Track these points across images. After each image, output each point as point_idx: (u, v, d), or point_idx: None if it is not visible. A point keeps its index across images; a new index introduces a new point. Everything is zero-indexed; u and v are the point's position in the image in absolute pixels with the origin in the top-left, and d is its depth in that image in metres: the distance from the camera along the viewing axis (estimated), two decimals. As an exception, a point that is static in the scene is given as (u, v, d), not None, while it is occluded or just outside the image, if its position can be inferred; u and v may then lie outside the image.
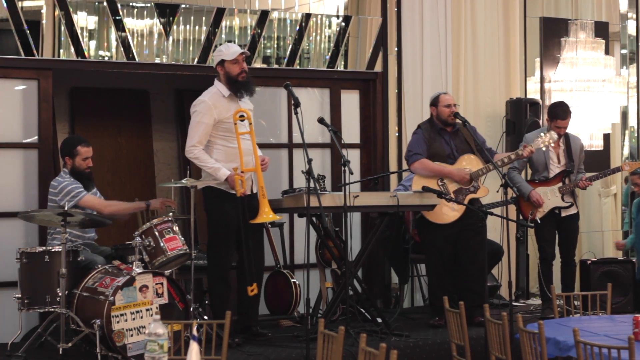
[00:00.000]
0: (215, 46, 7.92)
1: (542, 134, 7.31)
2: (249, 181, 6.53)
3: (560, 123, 7.64)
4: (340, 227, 7.36)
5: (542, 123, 8.59)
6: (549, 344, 4.90)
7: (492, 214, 6.82)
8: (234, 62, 6.52)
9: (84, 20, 7.51)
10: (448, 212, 7.13)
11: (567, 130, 7.78)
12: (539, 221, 7.66)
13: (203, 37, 7.95)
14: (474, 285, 7.06)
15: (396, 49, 8.66)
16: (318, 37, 8.51)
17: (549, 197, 7.66)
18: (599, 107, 9.15)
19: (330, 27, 8.58)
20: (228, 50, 6.57)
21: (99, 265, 6.31)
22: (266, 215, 6.33)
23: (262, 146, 6.91)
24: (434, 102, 7.30)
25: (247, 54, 6.64)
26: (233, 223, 6.49)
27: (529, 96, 9.15)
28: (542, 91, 9.19)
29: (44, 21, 7.38)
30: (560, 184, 7.68)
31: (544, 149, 7.33)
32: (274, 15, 8.29)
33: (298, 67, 8.39)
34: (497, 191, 7.13)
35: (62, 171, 6.81)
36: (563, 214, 7.71)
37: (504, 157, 7.22)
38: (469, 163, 7.18)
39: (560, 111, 7.69)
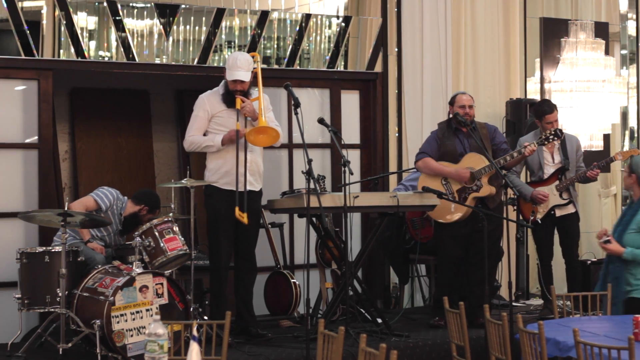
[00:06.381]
0: (216, 47, 7.94)
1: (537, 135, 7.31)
2: (241, 176, 6.54)
3: (549, 118, 7.60)
4: (340, 227, 7.35)
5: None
6: (549, 344, 4.89)
7: (492, 214, 6.81)
8: (231, 80, 6.59)
9: (84, 21, 7.51)
10: (449, 212, 7.11)
11: (565, 130, 7.77)
12: (539, 222, 7.65)
13: (203, 38, 7.95)
14: (479, 287, 7.01)
15: (396, 49, 8.65)
16: (318, 38, 8.51)
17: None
18: (599, 108, 9.14)
19: (330, 27, 8.58)
20: (231, 66, 6.58)
21: (99, 265, 6.33)
22: (264, 120, 6.44)
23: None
24: (451, 102, 7.26)
25: (240, 85, 6.57)
26: (224, 220, 6.50)
27: (529, 96, 9.14)
28: (542, 91, 9.18)
29: (44, 21, 7.38)
30: (557, 182, 7.67)
31: (545, 142, 7.24)
32: (274, 15, 8.29)
33: (298, 68, 8.39)
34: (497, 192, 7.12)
35: (119, 193, 6.84)
36: (558, 213, 7.68)
37: (506, 156, 7.19)
38: (472, 162, 7.10)
39: (546, 107, 7.69)
